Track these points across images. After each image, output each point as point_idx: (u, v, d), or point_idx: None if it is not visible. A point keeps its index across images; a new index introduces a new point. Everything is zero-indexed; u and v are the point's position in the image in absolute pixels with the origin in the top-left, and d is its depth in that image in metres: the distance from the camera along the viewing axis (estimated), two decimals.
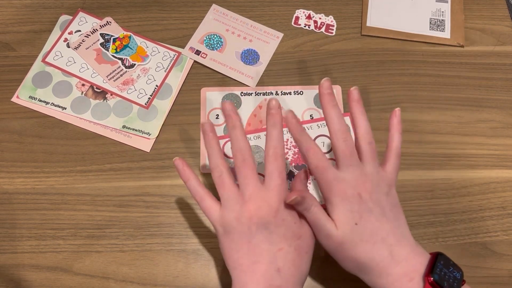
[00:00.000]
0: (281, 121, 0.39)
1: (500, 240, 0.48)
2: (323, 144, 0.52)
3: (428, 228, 0.48)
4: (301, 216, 0.39)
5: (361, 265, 0.37)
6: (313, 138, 0.52)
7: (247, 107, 0.54)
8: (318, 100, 0.54)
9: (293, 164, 0.51)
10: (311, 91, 0.55)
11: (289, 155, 0.52)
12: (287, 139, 0.52)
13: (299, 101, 0.55)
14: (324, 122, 0.53)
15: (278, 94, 0.55)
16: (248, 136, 0.52)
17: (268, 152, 0.39)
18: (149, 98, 0.55)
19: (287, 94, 0.55)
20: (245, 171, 0.38)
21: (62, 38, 0.58)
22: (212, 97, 0.55)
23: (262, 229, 0.36)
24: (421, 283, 0.35)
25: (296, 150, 0.52)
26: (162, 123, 0.53)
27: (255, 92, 0.55)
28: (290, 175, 0.51)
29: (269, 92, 0.55)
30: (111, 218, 0.49)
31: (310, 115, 0.54)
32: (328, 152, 0.52)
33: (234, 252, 0.37)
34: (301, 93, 0.55)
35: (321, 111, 0.54)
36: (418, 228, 0.48)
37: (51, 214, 0.49)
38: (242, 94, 0.55)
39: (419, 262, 0.36)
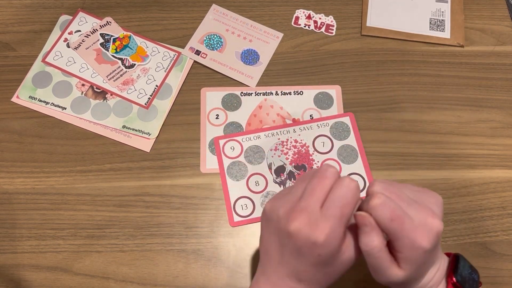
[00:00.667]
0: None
1: (500, 240, 0.48)
2: (323, 144, 0.52)
3: None
4: (343, 247, 0.34)
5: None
6: (312, 138, 0.52)
7: (247, 107, 0.54)
8: (318, 100, 0.54)
9: (293, 164, 0.51)
10: (311, 91, 0.55)
11: (289, 155, 0.52)
12: (287, 139, 0.52)
13: (299, 101, 0.55)
14: (323, 122, 0.53)
15: (278, 94, 0.55)
16: (248, 136, 0.52)
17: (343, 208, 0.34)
18: (149, 98, 0.55)
19: (287, 94, 0.55)
20: (316, 190, 0.34)
21: (62, 38, 0.58)
22: (212, 97, 0.55)
23: (294, 250, 0.34)
24: (444, 283, 0.35)
25: (296, 150, 0.52)
26: (162, 123, 0.53)
27: (255, 92, 0.55)
28: (290, 175, 0.51)
29: (269, 92, 0.55)
30: (111, 218, 0.49)
31: (310, 115, 0.54)
32: (328, 152, 0.52)
33: (267, 239, 0.36)
34: (301, 93, 0.55)
35: (321, 111, 0.54)
36: None
37: (51, 214, 0.49)
38: (242, 94, 0.55)
39: (443, 266, 0.37)
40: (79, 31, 0.58)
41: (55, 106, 0.54)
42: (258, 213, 0.49)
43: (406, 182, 0.50)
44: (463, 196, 0.50)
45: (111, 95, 0.55)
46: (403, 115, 0.54)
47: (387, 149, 0.52)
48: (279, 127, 0.53)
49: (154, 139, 0.53)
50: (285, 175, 0.51)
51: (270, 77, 0.56)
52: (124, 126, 0.53)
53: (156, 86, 0.55)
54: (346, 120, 0.54)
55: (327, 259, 0.34)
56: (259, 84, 0.56)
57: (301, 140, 0.53)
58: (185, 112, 0.54)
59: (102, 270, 0.47)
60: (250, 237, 0.48)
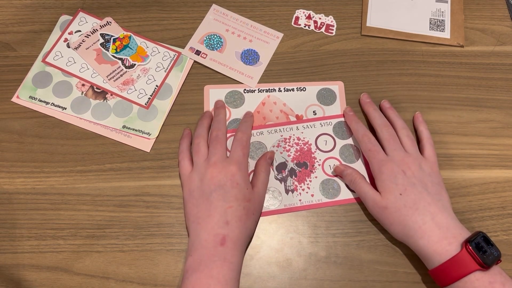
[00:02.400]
0: (252, 118, 0.53)
1: (500, 240, 0.48)
2: (325, 142, 0.52)
3: None
4: (253, 186, 0.47)
5: (406, 228, 0.43)
6: (315, 136, 0.52)
7: (250, 104, 0.54)
8: (321, 96, 0.55)
9: (295, 162, 0.51)
10: (314, 87, 0.55)
11: (291, 152, 0.52)
12: (290, 136, 0.52)
13: (302, 97, 0.55)
14: (326, 121, 0.53)
15: (281, 91, 0.55)
16: (251, 132, 0.52)
17: (236, 135, 0.49)
18: (149, 98, 0.55)
19: (290, 91, 0.55)
20: (216, 144, 0.48)
21: (62, 38, 0.58)
22: (215, 94, 0.55)
23: (219, 189, 0.44)
24: (459, 248, 0.40)
25: (298, 147, 0.52)
26: (162, 123, 0.54)
27: (258, 89, 0.55)
28: (291, 172, 0.51)
29: (272, 89, 0.55)
30: (111, 218, 0.49)
31: (313, 111, 0.54)
32: (330, 150, 0.52)
33: (194, 207, 0.45)
34: (304, 89, 0.55)
35: (323, 107, 0.54)
36: None
37: (51, 214, 0.49)
38: (245, 91, 0.55)
39: (459, 232, 0.42)
40: (79, 31, 0.58)
41: (55, 106, 0.54)
42: None
43: None
44: (463, 196, 0.50)
45: (111, 95, 0.55)
46: (403, 115, 0.54)
47: None
48: (282, 124, 0.53)
49: (154, 139, 0.53)
50: (286, 172, 0.51)
51: (270, 77, 0.56)
52: (124, 126, 0.53)
53: (156, 86, 0.55)
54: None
55: (244, 188, 0.45)
56: (260, 84, 0.56)
57: (303, 138, 0.53)
58: (185, 112, 0.54)
59: (102, 270, 0.47)
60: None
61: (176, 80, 0.56)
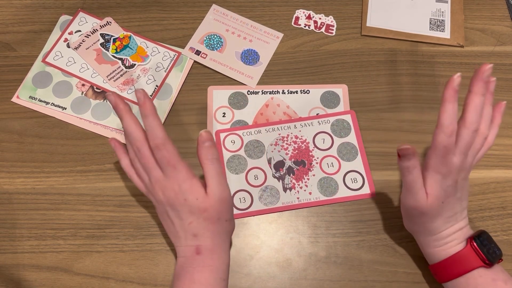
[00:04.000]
0: (153, 109, 0.41)
1: (500, 240, 0.48)
2: (323, 141, 0.52)
3: None
4: (207, 187, 0.41)
5: (427, 231, 0.42)
6: (313, 135, 0.52)
7: (254, 106, 0.54)
8: (325, 99, 0.55)
9: (293, 160, 0.51)
10: (318, 90, 0.55)
11: (289, 151, 0.52)
12: (287, 135, 0.53)
13: (306, 100, 0.55)
14: (324, 119, 0.53)
15: (284, 93, 0.55)
16: (249, 130, 0.53)
17: (151, 144, 0.41)
18: None
19: (294, 93, 0.55)
20: (144, 161, 0.42)
21: (62, 38, 0.58)
22: (219, 95, 0.55)
23: (171, 209, 0.42)
24: (464, 244, 0.41)
25: (296, 145, 0.52)
26: (162, 123, 0.53)
27: (262, 91, 0.55)
28: (289, 170, 0.51)
29: (275, 91, 0.55)
30: (111, 218, 0.49)
31: (317, 114, 0.54)
32: (328, 149, 0.52)
33: (163, 222, 0.44)
34: (308, 92, 0.55)
35: (327, 110, 0.54)
36: None
37: (51, 214, 0.49)
38: (249, 93, 0.55)
39: (468, 233, 0.42)
40: (79, 31, 0.58)
41: (55, 106, 0.54)
42: (256, 206, 0.49)
43: None
44: None
45: None
46: (403, 115, 0.54)
47: (387, 149, 0.52)
48: (280, 123, 0.53)
49: None
50: (284, 170, 0.51)
51: (270, 77, 0.56)
52: None
53: (156, 86, 0.55)
54: (348, 117, 0.54)
55: (194, 201, 0.40)
56: (259, 84, 0.56)
57: (301, 136, 0.53)
58: (185, 112, 0.54)
59: (102, 270, 0.47)
60: (250, 237, 0.48)
61: (176, 80, 0.56)
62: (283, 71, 0.57)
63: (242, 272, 0.47)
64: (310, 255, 0.48)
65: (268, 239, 0.48)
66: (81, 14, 0.59)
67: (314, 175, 0.51)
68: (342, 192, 0.50)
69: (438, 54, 0.58)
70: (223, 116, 0.54)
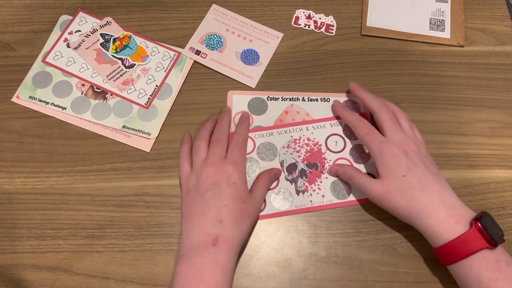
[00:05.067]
0: (248, 119, 0.52)
1: None
2: (335, 143, 0.52)
3: None
4: (251, 191, 0.47)
5: (412, 209, 0.43)
6: (325, 137, 0.52)
7: (273, 112, 0.54)
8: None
9: (305, 162, 0.51)
10: (338, 99, 0.54)
11: (301, 153, 0.52)
12: (300, 137, 0.52)
13: (326, 108, 0.54)
14: (336, 121, 0.53)
15: (305, 100, 0.54)
16: (261, 132, 0.53)
17: (233, 137, 0.49)
18: (149, 98, 0.55)
19: (314, 101, 0.55)
20: (216, 145, 0.47)
21: (62, 38, 0.58)
22: (239, 100, 0.54)
23: (214, 187, 0.44)
24: (468, 226, 0.41)
25: (308, 148, 0.52)
26: (162, 123, 0.53)
27: (282, 97, 0.54)
28: (302, 173, 0.51)
29: (295, 98, 0.54)
30: (111, 218, 0.49)
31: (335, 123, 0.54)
32: (340, 151, 0.52)
33: (189, 206, 0.44)
34: (328, 100, 0.54)
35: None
36: None
37: (51, 214, 0.49)
38: (269, 99, 0.55)
39: (465, 211, 0.42)
40: (79, 31, 0.58)
41: (55, 106, 0.54)
42: (269, 209, 0.49)
43: None
44: (463, 196, 0.50)
45: (111, 95, 0.55)
46: None
47: None
48: (292, 125, 0.53)
49: (154, 139, 0.53)
50: (297, 173, 0.51)
51: (270, 77, 0.56)
52: (124, 126, 0.53)
53: (156, 86, 0.55)
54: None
55: (241, 189, 0.44)
56: (260, 84, 0.56)
57: (313, 139, 0.52)
58: (185, 112, 0.54)
59: (102, 270, 0.47)
60: (250, 237, 0.48)
61: (176, 80, 0.56)
62: (283, 71, 0.57)
63: (242, 272, 0.47)
64: (310, 255, 0.48)
65: (268, 239, 0.48)
66: (81, 14, 0.59)
67: (327, 178, 0.51)
68: (356, 195, 0.50)
69: (438, 54, 0.58)
70: None
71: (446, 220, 0.41)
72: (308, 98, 0.55)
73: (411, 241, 0.48)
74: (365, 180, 0.46)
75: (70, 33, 0.58)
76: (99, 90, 0.55)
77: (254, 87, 0.56)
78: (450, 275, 0.43)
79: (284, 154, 0.52)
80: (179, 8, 0.61)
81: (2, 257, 0.47)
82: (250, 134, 0.53)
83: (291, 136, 0.53)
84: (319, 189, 0.50)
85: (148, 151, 0.52)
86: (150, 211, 0.49)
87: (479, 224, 0.40)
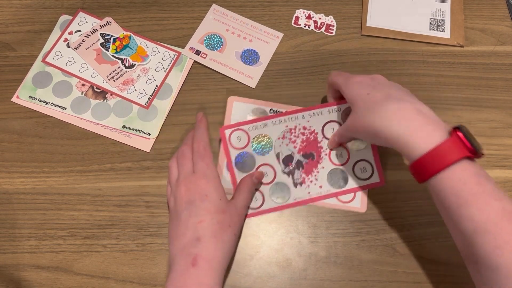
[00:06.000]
0: (204, 121, 0.49)
1: None
2: (332, 130, 0.51)
3: (428, 228, 0.48)
4: (233, 198, 0.46)
5: (382, 120, 0.39)
6: (322, 124, 0.51)
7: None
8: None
9: (301, 153, 0.51)
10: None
11: (297, 144, 0.51)
12: (295, 126, 0.51)
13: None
14: (334, 107, 0.51)
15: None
16: (255, 124, 0.51)
17: (193, 147, 0.47)
18: (149, 98, 0.55)
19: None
20: (182, 161, 0.46)
21: (62, 38, 0.58)
22: (239, 108, 0.53)
23: (189, 206, 0.42)
24: (446, 135, 0.37)
25: (304, 137, 0.51)
26: (162, 123, 0.53)
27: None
28: (298, 164, 0.50)
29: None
30: (111, 218, 0.49)
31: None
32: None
33: (171, 229, 0.44)
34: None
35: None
36: (418, 228, 0.48)
37: (51, 214, 0.49)
38: (271, 111, 0.53)
39: (441, 121, 0.39)
40: (79, 31, 0.58)
41: (55, 106, 0.54)
42: (268, 204, 0.49)
43: (406, 182, 0.50)
44: None
45: (111, 95, 0.55)
46: None
47: (387, 149, 0.52)
48: (287, 114, 0.51)
49: (154, 139, 0.53)
50: (293, 165, 0.50)
51: (270, 77, 0.56)
52: (124, 126, 0.53)
53: (156, 86, 0.55)
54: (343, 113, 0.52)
55: (216, 200, 0.43)
56: (260, 84, 0.56)
57: (310, 127, 0.51)
58: (185, 112, 0.54)
59: (102, 270, 0.47)
60: (250, 237, 0.48)
61: (176, 80, 0.56)
62: (283, 71, 0.57)
63: (242, 272, 0.47)
64: (310, 255, 0.48)
65: (268, 239, 0.48)
66: (81, 14, 0.59)
67: (323, 167, 0.50)
68: (352, 183, 0.50)
69: (438, 54, 0.58)
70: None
71: (422, 126, 0.38)
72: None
73: (411, 241, 0.48)
74: (344, 123, 0.46)
75: (70, 33, 0.58)
76: (99, 90, 0.55)
77: (254, 87, 0.56)
78: (450, 275, 0.43)
79: (280, 145, 0.51)
80: (179, 8, 0.61)
81: (2, 257, 0.47)
82: (243, 127, 0.51)
83: (286, 126, 0.51)
84: (316, 179, 0.50)
85: (148, 151, 0.52)
86: (150, 211, 0.49)
87: (460, 132, 0.37)
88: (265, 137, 0.50)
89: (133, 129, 0.53)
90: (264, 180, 0.50)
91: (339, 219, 0.49)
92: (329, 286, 0.46)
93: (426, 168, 0.37)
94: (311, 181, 0.50)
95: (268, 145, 0.50)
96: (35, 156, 0.52)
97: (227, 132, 0.51)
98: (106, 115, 0.54)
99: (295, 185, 0.50)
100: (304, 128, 0.51)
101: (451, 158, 0.36)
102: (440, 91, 0.56)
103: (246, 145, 0.51)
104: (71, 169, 0.51)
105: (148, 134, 0.53)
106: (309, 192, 0.49)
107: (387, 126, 0.39)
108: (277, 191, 0.50)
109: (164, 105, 0.54)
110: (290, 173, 0.50)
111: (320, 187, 0.50)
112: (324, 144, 0.51)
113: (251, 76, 0.56)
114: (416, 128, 0.38)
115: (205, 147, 0.46)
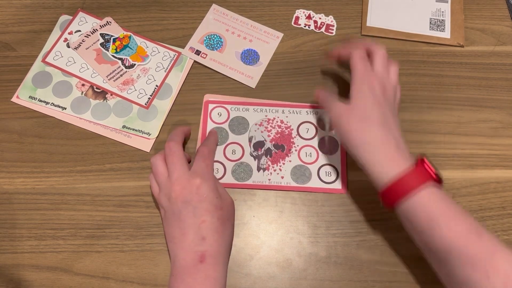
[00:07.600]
0: (216, 136, 0.52)
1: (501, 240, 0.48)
2: (307, 130, 0.53)
3: None
4: (222, 191, 0.46)
5: (364, 139, 0.42)
6: (298, 123, 0.54)
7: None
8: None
9: (273, 143, 0.53)
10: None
11: (271, 133, 0.53)
12: (274, 118, 0.54)
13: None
14: (313, 110, 0.54)
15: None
16: (237, 106, 0.54)
17: (198, 150, 0.48)
18: (149, 98, 0.55)
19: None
20: (172, 159, 0.45)
21: (62, 38, 0.58)
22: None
23: (187, 205, 0.43)
24: (414, 163, 0.41)
25: (280, 130, 0.53)
26: (162, 123, 0.54)
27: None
28: (267, 152, 0.52)
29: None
30: (111, 218, 0.49)
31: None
32: (310, 139, 0.53)
33: (169, 227, 0.44)
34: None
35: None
36: None
37: (51, 214, 0.49)
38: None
39: (409, 154, 0.42)
40: (79, 31, 0.58)
41: (55, 106, 0.54)
42: (227, 179, 0.51)
43: None
44: (463, 196, 0.50)
45: (111, 95, 0.55)
46: (403, 115, 0.54)
47: None
48: (269, 105, 0.54)
49: (154, 139, 0.53)
50: (262, 151, 0.52)
51: (270, 77, 0.56)
52: (124, 126, 0.53)
53: (156, 86, 0.55)
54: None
55: (213, 198, 0.43)
56: (260, 84, 0.56)
57: (287, 122, 0.54)
58: (185, 112, 0.54)
59: (102, 270, 0.47)
60: (250, 237, 0.48)
61: (176, 80, 0.56)
62: (283, 71, 0.57)
63: (242, 272, 0.47)
64: (310, 255, 0.48)
65: (268, 239, 0.48)
66: (81, 14, 0.59)
67: (290, 161, 0.52)
68: (314, 183, 0.51)
69: (438, 54, 0.58)
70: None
71: (393, 158, 0.41)
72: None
73: (411, 241, 0.48)
74: (333, 99, 0.46)
75: (70, 33, 0.58)
76: (99, 90, 0.55)
77: (254, 87, 0.56)
78: None
79: (255, 131, 0.53)
80: (179, 8, 0.61)
81: (2, 257, 0.47)
82: (226, 106, 0.54)
83: (266, 116, 0.54)
84: (280, 170, 0.51)
85: (148, 151, 0.52)
86: (150, 211, 0.49)
87: (427, 161, 0.41)
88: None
89: (133, 129, 0.53)
90: (231, 157, 0.52)
91: (339, 219, 0.49)
92: (329, 286, 0.46)
93: (397, 192, 0.40)
94: (275, 170, 0.51)
95: (244, 127, 0.53)
96: (35, 156, 0.52)
97: (211, 106, 0.54)
98: (106, 115, 0.54)
99: (258, 169, 0.51)
100: (282, 122, 0.54)
101: (419, 181, 0.39)
102: (440, 91, 0.56)
103: (224, 122, 0.53)
104: (71, 169, 0.51)
105: (148, 134, 0.53)
106: (269, 179, 0.51)
107: (364, 149, 0.42)
108: (240, 170, 0.51)
109: (164, 105, 0.54)
110: (257, 158, 0.52)
111: (282, 177, 0.51)
112: (297, 141, 0.53)
113: (251, 76, 0.56)
114: (389, 158, 0.41)
115: (210, 152, 0.48)
